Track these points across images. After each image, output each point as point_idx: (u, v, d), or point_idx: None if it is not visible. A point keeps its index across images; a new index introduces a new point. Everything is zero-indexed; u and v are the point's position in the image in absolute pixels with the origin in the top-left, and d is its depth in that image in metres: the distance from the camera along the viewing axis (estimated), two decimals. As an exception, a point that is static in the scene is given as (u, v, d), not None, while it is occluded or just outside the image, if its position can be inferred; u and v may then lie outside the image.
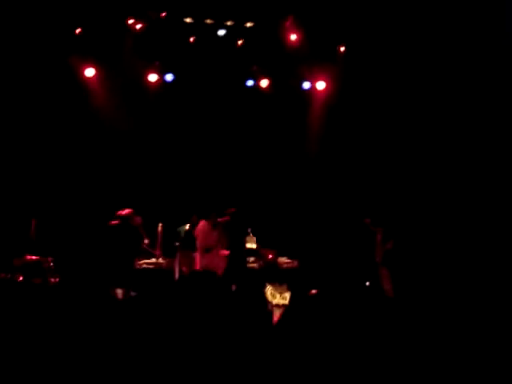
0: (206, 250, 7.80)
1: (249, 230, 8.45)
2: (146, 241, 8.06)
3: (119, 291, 7.52)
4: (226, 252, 8.06)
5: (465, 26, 8.40)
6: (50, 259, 7.54)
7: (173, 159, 9.65)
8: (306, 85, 9.73)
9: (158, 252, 8.21)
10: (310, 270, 7.96)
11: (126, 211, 7.80)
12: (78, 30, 8.71)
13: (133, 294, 7.20)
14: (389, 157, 9.32)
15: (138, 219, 7.96)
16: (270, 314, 6.02)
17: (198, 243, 7.86)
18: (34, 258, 7.54)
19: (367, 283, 7.93)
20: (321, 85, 9.67)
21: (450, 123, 8.85)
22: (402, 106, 9.13)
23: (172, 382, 4.80)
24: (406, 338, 5.52)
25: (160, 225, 8.35)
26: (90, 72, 9.07)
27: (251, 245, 8.36)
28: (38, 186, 8.88)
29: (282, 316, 5.63)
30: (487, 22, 8.32)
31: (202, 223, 7.93)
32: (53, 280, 7.29)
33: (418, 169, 9.07)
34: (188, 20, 9.22)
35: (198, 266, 7.78)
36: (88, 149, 9.25)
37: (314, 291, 7.10)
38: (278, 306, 6.30)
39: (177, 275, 7.78)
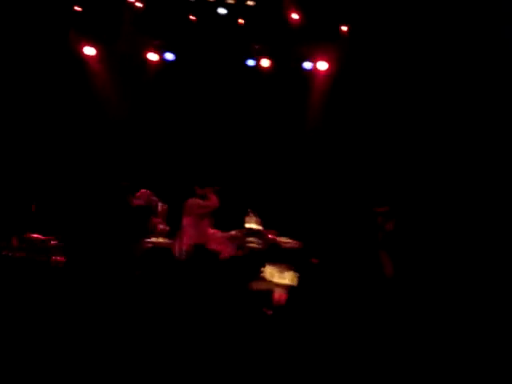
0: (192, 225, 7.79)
1: (249, 210, 8.48)
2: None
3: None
4: (216, 231, 8.05)
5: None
6: (53, 238, 7.57)
7: (172, 138, 9.64)
8: (308, 65, 9.66)
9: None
10: (310, 250, 8.00)
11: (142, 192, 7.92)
12: (76, 7, 8.63)
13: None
14: (391, 138, 9.30)
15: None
16: (270, 292, 6.08)
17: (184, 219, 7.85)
18: (35, 236, 7.56)
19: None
20: (323, 65, 9.59)
21: (457, 106, 8.80)
22: (406, 88, 9.06)
23: (168, 366, 4.87)
24: (406, 320, 5.59)
25: (160, 205, 8.39)
26: (89, 50, 9.00)
27: (251, 225, 8.38)
28: (39, 165, 8.89)
29: (289, 297, 5.70)
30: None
31: (190, 200, 7.90)
32: (57, 259, 7.32)
33: (421, 151, 9.05)
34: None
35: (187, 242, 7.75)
36: (87, 128, 9.23)
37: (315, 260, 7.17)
38: (277, 285, 6.37)
39: (177, 253, 7.81)
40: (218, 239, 8.00)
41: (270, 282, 6.21)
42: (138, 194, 8.12)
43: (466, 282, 6.79)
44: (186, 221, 7.93)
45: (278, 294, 5.98)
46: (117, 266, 7.20)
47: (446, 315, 5.74)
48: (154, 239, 8.01)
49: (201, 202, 7.76)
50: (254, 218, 8.39)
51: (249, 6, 9.25)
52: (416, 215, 8.50)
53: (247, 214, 8.35)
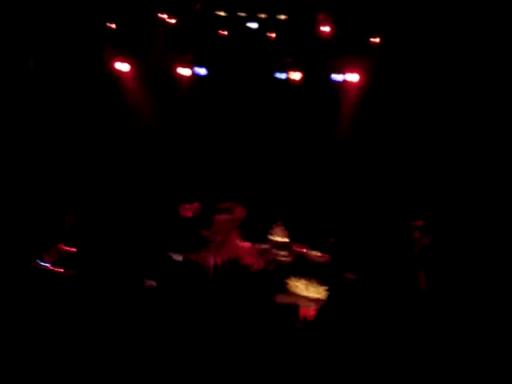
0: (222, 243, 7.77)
1: (279, 223, 8.42)
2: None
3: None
4: (247, 244, 8.00)
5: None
6: (84, 250, 7.65)
7: (205, 151, 9.70)
8: (339, 77, 9.59)
9: None
10: (343, 265, 7.89)
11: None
12: (110, 23, 8.81)
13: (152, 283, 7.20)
14: (426, 150, 9.13)
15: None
16: (297, 306, 6.02)
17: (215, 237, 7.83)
18: (69, 248, 7.67)
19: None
20: (354, 77, 9.51)
21: (490, 115, 8.59)
22: (439, 99, 8.92)
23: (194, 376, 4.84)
24: (441, 336, 5.45)
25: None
26: (122, 66, 9.16)
27: (281, 238, 8.33)
28: (74, 178, 9.06)
29: (319, 311, 5.62)
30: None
31: (217, 217, 7.89)
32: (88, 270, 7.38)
33: (455, 162, 8.85)
34: (220, 13, 9.24)
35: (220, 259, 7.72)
36: (121, 141, 9.39)
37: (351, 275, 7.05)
38: (304, 298, 6.30)
39: (210, 270, 7.77)
40: (248, 252, 7.96)
41: (298, 295, 6.14)
42: (189, 206, 8.16)
43: (504, 296, 6.56)
44: (216, 238, 7.89)
45: (305, 308, 5.91)
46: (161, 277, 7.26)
47: (482, 330, 5.57)
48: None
49: (228, 216, 7.74)
50: (280, 230, 8.32)
51: (280, 19, 9.28)
52: (453, 229, 8.28)
53: (276, 226, 8.29)
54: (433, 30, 8.63)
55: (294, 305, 5.92)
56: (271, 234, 8.31)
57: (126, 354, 5.14)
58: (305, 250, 8.21)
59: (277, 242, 8.20)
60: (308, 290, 6.74)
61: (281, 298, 6.47)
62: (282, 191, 9.48)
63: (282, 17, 9.31)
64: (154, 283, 7.42)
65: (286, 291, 6.62)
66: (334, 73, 9.51)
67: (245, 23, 9.24)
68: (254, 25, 9.29)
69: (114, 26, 8.74)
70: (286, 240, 8.21)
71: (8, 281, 6.24)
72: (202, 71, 9.55)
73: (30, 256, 7.28)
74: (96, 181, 9.29)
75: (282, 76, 9.62)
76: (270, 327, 5.70)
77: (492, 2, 8.29)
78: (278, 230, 8.31)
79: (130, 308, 6.16)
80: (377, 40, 9.21)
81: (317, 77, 9.56)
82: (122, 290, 6.68)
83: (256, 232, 8.20)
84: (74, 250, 7.81)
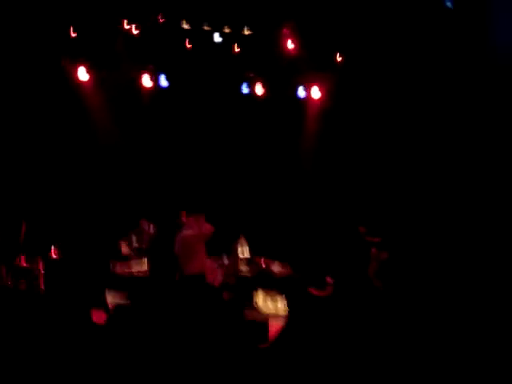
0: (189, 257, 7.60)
1: (241, 237, 8.39)
2: None
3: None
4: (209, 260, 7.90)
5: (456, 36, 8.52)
6: (40, 264, 7.40)
7: (166, 163, 9.57)
8: (302, 93, 9.69)
9: None
10: (302, 278, 7.90)
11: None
12: (71, 32, 8.61)
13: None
14: (385, 166, 9.33)
15: None
16: (265, 324, 5.98)
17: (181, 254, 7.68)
18: (22, 264, 7.39)
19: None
20: (317, 93, 9.64)
21: (450, 133, 8.88)
22: (399, 115, 9.14)
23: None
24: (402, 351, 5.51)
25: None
26: (83, 75, 8.95)
27: (243, 252, 8.29)
28: (29, 188, 8.76)
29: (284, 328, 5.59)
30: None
31: (183, 234, 7.71)
32: (41, 286, 7.14)
33: (416, 179, 9.08)
34: (185, 26, 9.19)
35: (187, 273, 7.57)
36: (80, 151, 9.15)
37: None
38: (272, 315, 6.26)
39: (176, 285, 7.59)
40: (210, 268, 7.84)
41: (265, 312, 6.10)
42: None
43: (462, 309, 6.72)
44: (183, 255, 7.58)
45: (274, 325, 5.87)
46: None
47: (443, 348, 5.67)
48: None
49: (194, 231, 7.46)
50: (244, 245, 8.28)
51: (245, 34, 9.32)
52: (410, 245, 8.45)
53: (238, 241, 8.25)
54: (395, 50, 8.87)
55: (260, 322, 5.87)
56: (232, 248, 8.26)
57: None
58: (263, 264, 8.20)
59: (238, 256, 8.15)
60: (273, 306, 6.66)
61: (247, 315, 6.40)
62: (244, 205, 9.46)
63: (247, 32, 9.35)
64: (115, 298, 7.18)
65: (252, 307, 6.53)
66: (297, 88, 9.63)
67: (209, 36, 9.21)
68: (218, 39, 9.28)
69: (75, 34, 8.52)
70: (247, 255, 8.17)
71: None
72: (165, 83, 9.44)
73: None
74: (50, 190, 9.01)
75: (246, 90, 9.65)
76: (237, 346, 5.63)
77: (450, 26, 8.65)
78: (240, 244, 8.26)
79: (88, 327, 5.98)
80: (340, 57, 9.38)
81: (280, 91, 9.64)
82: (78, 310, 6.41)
83: (217, 246, 8.12)
84: (27, 265, 7.52)
